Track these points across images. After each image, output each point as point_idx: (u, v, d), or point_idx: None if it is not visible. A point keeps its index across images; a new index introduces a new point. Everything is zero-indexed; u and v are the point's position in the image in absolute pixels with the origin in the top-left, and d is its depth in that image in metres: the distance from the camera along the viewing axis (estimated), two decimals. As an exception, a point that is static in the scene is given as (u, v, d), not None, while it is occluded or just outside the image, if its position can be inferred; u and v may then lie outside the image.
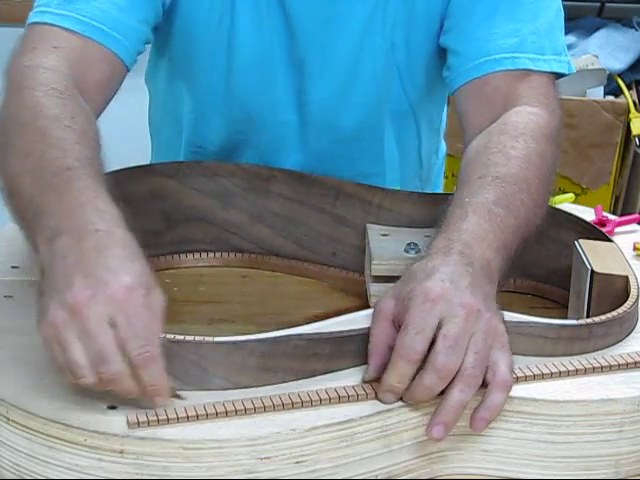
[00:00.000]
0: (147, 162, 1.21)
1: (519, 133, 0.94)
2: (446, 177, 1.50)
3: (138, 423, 0.68)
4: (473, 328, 0.72)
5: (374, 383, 0.74)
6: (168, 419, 0.69)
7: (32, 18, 0.96)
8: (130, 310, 0.68)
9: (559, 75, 1.04)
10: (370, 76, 1.09)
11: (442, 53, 1.08)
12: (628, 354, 0.81)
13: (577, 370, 0.78)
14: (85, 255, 0.70)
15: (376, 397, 0.73)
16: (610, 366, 0.79)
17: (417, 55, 1.09)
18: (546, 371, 0.78)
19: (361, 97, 1.10)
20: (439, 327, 0.72)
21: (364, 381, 0.75)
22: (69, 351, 0.67)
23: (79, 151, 0.80)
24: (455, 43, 1.05)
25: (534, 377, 0.77)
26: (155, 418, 0.69)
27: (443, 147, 1.31)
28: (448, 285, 0.74)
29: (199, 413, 0.70)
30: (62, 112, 0.84)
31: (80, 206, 0.74)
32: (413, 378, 0.72)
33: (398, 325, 0.74)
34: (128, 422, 0.68)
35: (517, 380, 0.76)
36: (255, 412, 0.71)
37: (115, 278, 0.69)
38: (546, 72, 1.02)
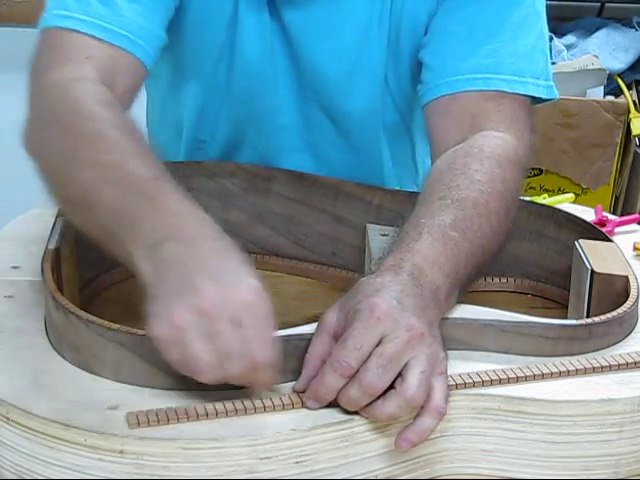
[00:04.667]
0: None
1: (485, 157, 0.91)
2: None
3: (138, 423, 0.68)
4: (415, 351, 0.71)
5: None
6: (168, 419, 0.69)
7: (53, 21, 0.95)
8: (259, 313, 0.69)
9: (538, 99, 1.01)
10: (365, 88, 1.09)
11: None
12: (628, 354, 0.81)
13: (577, 370, 0.78)
14: (205, 259, 0.71)
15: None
16: (610, 366, 0.79)
17: (404, 71, 1.08)
18: (546, 371, 0.77)
19: (356, 108, 1.10)
20: (378, 344, 0.70)
21: (293, 390, 0.73)
22: (196, 350, 0.68)
23: (154, 161, 0.80)
24: (430, 58, 1.03)
25: (534, 377, 0.77)
26: (155, 418, 0.69)
27: None
28: (395, 304, 0.72)
29: (199, 413, 0.70)
30: (123, 123, 0.84)
31: (182, 215, 0.74)
32: None
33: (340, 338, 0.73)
34: (128, 422, 0.68)
35: (517, 380, 0.76)
36: (255, 412, 0.71)
37: (244, 282, 0.70)
38: (521, 95, 0.99)
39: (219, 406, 0.70)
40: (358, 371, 0.70)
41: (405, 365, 0.70)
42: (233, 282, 0.69)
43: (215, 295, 0.68)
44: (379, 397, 0.70)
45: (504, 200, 0.89)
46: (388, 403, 0.70)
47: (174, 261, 0.71)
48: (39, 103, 0.90)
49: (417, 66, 1.06)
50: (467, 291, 0.84)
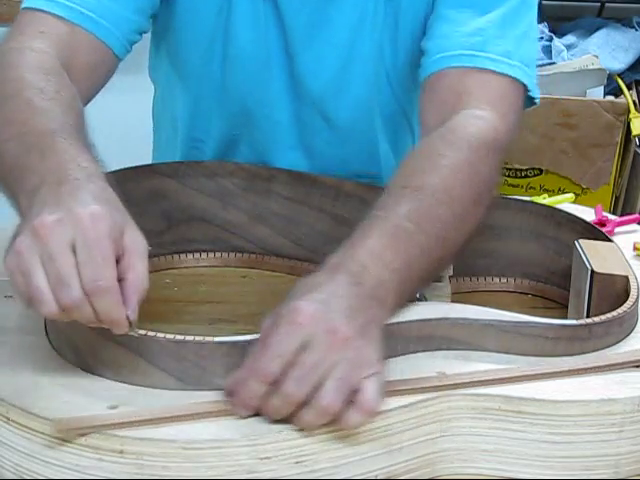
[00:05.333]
0: (147, 162, 1.22)
1: (457, 138, 0.89)
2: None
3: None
4: (336, 356, 0.68)
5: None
6: (165, 417, 0.69)
7: (24, 4, 0.97)
8: (91, 236, 0.67)
9: (525, 89, 0.99)
10: (361, 78, 1.09)
11: None
12: (629, 352, 0.81)
13: (577, 370, 0.78)
14: (61, 194, 0.70)
15: None
16: (610, 365, 0.79)
17: (404, 59, 1.08)
18: (546, 371, 0.77)
19: (352, 97, 1.10)
20: (301, 349, 0.68)
21: (225, 389, 0.72)
22: (31, 276, 0.67)
23: (63, 119, 0.81)
24: (424, 42, 1.03)
25: (533, 377, 0.77)
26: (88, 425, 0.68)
27: None
28: (319, 307, 0.69)
29: (199, 411, 0.70)
30: (47, 86, 0.85)
31: (63, 163, 0.74)
32: None
33: None
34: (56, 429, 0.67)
35: (517, 380, 0.76)
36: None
37: (83, 206, 0.69)
38: (508, 76, 0.97)
39: (220, 405, 0.70)
40: (279, 381, 0.68)
41: (325, 371, 0.68)
42: (72, 207, 0.68)
43: (48, 217, 0.68)
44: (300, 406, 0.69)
45: (472, 186, 0.86)
46: (305, 413, 0.68)
47: (40, 203, 0.70)
48: None
49: (417, 54, 1.06)
50: (429, 283, 0.81)
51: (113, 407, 0.70)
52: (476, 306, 0.81)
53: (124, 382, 0.73)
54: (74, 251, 0.67)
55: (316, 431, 0.69)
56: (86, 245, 0.67)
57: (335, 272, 0.73)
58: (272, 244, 1.06)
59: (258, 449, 0.68)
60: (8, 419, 0.70)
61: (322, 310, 0.70)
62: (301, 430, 0.69)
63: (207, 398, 0.72)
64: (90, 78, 0.96)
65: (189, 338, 0.73)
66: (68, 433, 0.67)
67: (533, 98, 1.01)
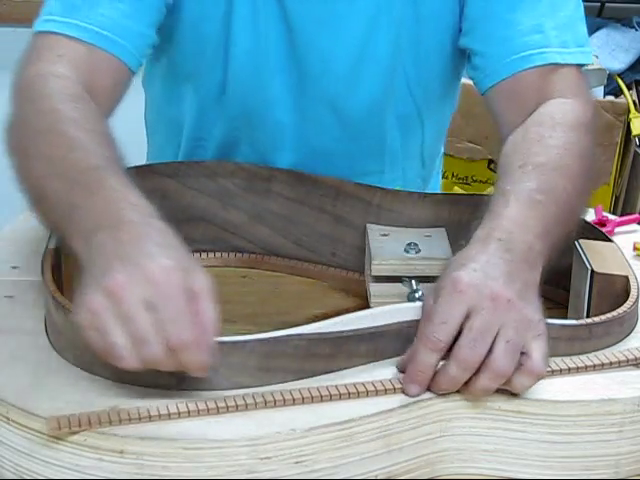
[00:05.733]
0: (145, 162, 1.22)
1: (556, 123, 0.94)
2: (445, 177, 1.51)
3: (59, 427, 0.67)
4: (503, 319, 0.72)
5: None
6: (169, 414, 0.69)
7: (37, 27, 0.96)
8: (167, 292, 0.68)
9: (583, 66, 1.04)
10: (374, 77, 1.09)
11: (456, 54, 1.08)
12: (629, 350, 0.81)
13: (578, 368, 0.78)
14: (125, 245, 0.70)
15: (390, 393, 0.74)
16: (611, 363, 0.79)
17: (426, 56, 1.09)
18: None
19: (364, 98, 1.10)
20: (467, 318, 0.72)
21: (396, 366, 0.75)
22: (109, 335, 0.67)
23: (101, 152, 0.81)
24: (479, 44, 1.04)
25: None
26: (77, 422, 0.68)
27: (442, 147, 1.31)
28: (479, 275, 0.74)
29: (200, 408, 0.70)
30: (79, 116, 0.85)
31: (114, 202, 0.75)
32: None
33: None
34: (49, 426, 0.67)
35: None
36: (256, 407, 0.71)
37: (152, 261, 0.69)
38: (573, 64, 1.02)
39: (220, 401, 0.70)
40: (452, 350, 0.72)
41: (495, 335, 0.72)
42: (142, 263, 0.69)
43: (124, 277, 0.68)
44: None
45: (582, 161, 0.91)
46: (479, 378, 0.72)
47: (100, 248, 0.71)
48: (11, 102, 0.91)
49: (442, 50, 1.08)
50: (561, 253, 0.85)
51: (113, 407, 0.70)
52: (476, 306, 0.81)
53: (124, 382, 0.73)
54: (148, 307, 0.67)
55: (321, 430, 0.69)
56: (162, 302, 0.68)
57: (485, 243, 0.78)
58: (272, 244, 1.06)
59: (258, 449, 0.68)
60: (8, 419, 0.70)
61: (480, 277, 0.74)
62: (301, 430, 0.69)
63: (207, 398, 0.72)
64: (110, 98, 0.96)
65: (189, 338, 0.73)
66: (60, 431, 0.67)
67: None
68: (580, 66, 1.03)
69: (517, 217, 0.81)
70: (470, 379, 0.72)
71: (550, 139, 0.92)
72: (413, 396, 0.73)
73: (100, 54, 0.95)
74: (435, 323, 0.72)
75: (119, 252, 0.70)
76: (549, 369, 0.77)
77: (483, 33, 1.04)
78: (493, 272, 0.74)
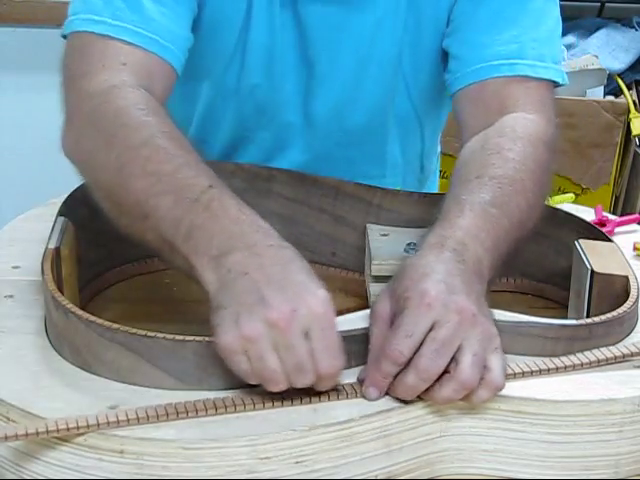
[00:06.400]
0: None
1: (517, 136, 0.94)
2: (444, 177, 1.50)
3: (5, 437, 0.67)
4: (466, 332, 0.72)
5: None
6: (168, 414, 0.69)
7: (81, 26, 0.95)
8: (326, 324, 0.70)
9: (556, 84, 1.03)
10: (377, 81, 1.10)
11: (446, 57, 1.08)
12: (633, 344, 0.81)
13: (574, 365, 0.78)
14: (269, 269, 0.71)
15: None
16: (607, 359, 0.79)
17: (424, 60, 1.09)
18: (544, 367, 0.78)
19: (367, 102, 1.11)
20: (430, 330, 0.72)
21: (358, 379, 0.75)
22: (267, 362, 0.69)
23: (206, 170, 0.80)
24: (456, 47, 1.05)
25: (532, 373, 0.77)
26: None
27: (438, 147, 1.31)
28: (443, 288, 0.73)
29: (198, 409, 0.70)
30: (171, 131, 0.84)
31: (242, 224, 0.75)
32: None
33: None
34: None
35: (515, 377, 0.77)
36: (254, 409, 0.71)
37: (311, 293, 0.70)
38: (544, 79, 1.02)
39: (218, 402, 0.71)
40: (412, 358, 0.72)
41: (458, 348, 0.72)
42: (301, 293, 0.70)
43: (285, 308, 0.69)
44: (434, 382, 0.72)
45: (538, 178, 0.91)
46: (444, 388, 0.72)
47: (239, 271, 0.71)
48: (79, 111, 0.90)
49: (437, 54, 1.08)
50: (506, 267, 0.86)
51: (113, 407, 0.70)
52: (476, 306, 0.81)
53: (124, 382, 0.74)
54: (307, 337, 0.69)
55: (321, 430, 0.69)
56: (319, 333, 0.70)
57: (440, 251, 0.78)
58: (272, 244, 1.06)
59: (258, 449, 0.68)
60: (8, 419, 0.70)
61: (445, 291, 0.73)
62: (301, 430, 0.69)
63: (207, 398, 0.72)
64: (165, 102, 0.96)
65: (189, 338, 0.73)
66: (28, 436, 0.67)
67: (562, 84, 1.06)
68: (552, 83, 1.03)
69: (470, 228, 0.81)
70: (433, 387, 0.72)
71: (509, 152, 0.91)
72: (373, 400, 0.73)
73: (155, 60, 0.95)
74: (400, 336, 0.72)
75: (267, 277, 0.71)
76: (546, 367, 0.78)
77: (461, 37, 1.05)
78: (454, 284, 0.74)
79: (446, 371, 0.72)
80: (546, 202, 1.00)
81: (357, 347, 0.76)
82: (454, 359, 0.72)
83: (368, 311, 0.78)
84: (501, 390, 0.73)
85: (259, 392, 0.72)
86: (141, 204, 0.79)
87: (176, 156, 0.81)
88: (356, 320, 0.78)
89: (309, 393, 0.72)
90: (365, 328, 0.76)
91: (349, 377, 0.75)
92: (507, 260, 0.86)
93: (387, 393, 0.74)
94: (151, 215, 0.78)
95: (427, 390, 0.72)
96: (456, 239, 0.79)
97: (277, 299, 0.69)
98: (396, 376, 0.73)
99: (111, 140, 0.84)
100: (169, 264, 0.78)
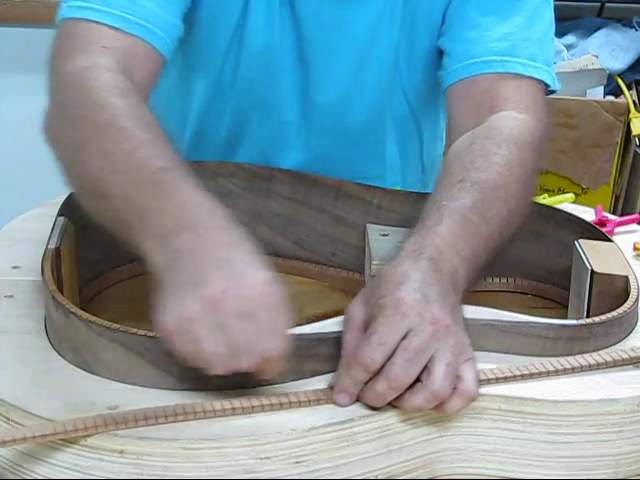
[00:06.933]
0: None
1: (503, 139, 0.93)
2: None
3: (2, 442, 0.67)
4: (440, 343, 0.71)
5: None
6: (166, 416, 0.69)
7: (70, 13, 0.95)
8: (266, 305, 0.69)
9: (547, 87, 1.03)
10: (374, 80, 1.10)
11: (442, 56, 1.08)
12: (632, 349, 0.81)
13: (573, 368, 0.78)
14: (215, 250, 0.70)
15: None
16: (606, 362, 0.79)
17: (419, 59, 1.09)
18: (544, 369, 0.77)
19: (364, 100, 1.11)
20: (403, 338, 0.71)
21: (330, 386, 0.74)
22: (206, 343, 0.67)
23: (165, 152, 0.80)
24: (448, 44, 1.05)
25: (531, 375, 0.77)
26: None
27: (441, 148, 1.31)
28: (419, 297, 0.73)
29: (197, 410, 0.70)
30: (136, 112, 0.84)
31: (191, 206, 0.74)
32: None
33: None
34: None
35: (515, 378, 0.77)
36: (252, 410, 0.71)
37: (253, 272, 0.69)
38: (536, 79, 1.01)
39: (217, 404, 0.71)
40: (384, 366, 0.71)
41: (431, 358, 0.71)
42: (243, 273, 0.69)
43: (224, 287, 0.68)
44: (405, 390, 0.71)
45: (522, 183, 0.90)
46: (415, 396, 0.71)
47: (185, 252, 0.70)
48: (56, 93, 0.90)
49: (433, 53, 1.08)
50: (485, 274, 0.85)
51: (113, 407, 0.70)
52: (476, 306, 0.81)
53: (124, 382, 0.74)
54: (246, 317, 0.68)
55: (321, 430, 0.69)
56: (260, 314, 0.68)
57: (417, 259, 0.77)
58: (272, 244, 1.06)
59: (258, 449, 0.68)
60: (8, 419, 0.70)
61: (421, 300, 0.73)
62: (301, 430, 0.69)
63: (207, 398, 0.72)
64: (147, 88, 0.96)
65: (189, 338, 0.73)
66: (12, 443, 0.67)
67: (553, 90, 1.06)
68: (544, 84, 1.02)
69: (448, 236, 0.80)
70: (404, 396, 0.71)
71: (494, 156, 0.90)
72: (343, 406, 0.72)
73: (140, 45, 0.95)
74: (373, 343, 0.71)
75: (210, 258, 0.70)
76: (546, 369, 0.78)
77: (453, 34, 1.05)
78: (430, 294, 0.73)
79: (418, 379, 0.71)
80: (534, 203, 0.99)
81: (330, 351, 0.76)
82: (426, 368, 0.71)
83: (342, 317, 0.78)
84: (474, 400, 0.73)
85: (259, 393, 0.72)
86: (97, 183, 0.79)
87: (135, 136, 0.80)
88: (329, 326, 0.77)
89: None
90: (339, 331, 0.76)
91: (322, 383, 0.75)
92: (485, 268, 0.85)
93: (358, 400, 0.73)
94: (105, 194, 0.78)
95: (398, 398, 0.71)
96: (434, 247, 0.78)
97: (217, 279, 0.68)
98: (367, 382, 0.72)
99: (77, 120, 0.84)
100: (128, 247, 0.76)
